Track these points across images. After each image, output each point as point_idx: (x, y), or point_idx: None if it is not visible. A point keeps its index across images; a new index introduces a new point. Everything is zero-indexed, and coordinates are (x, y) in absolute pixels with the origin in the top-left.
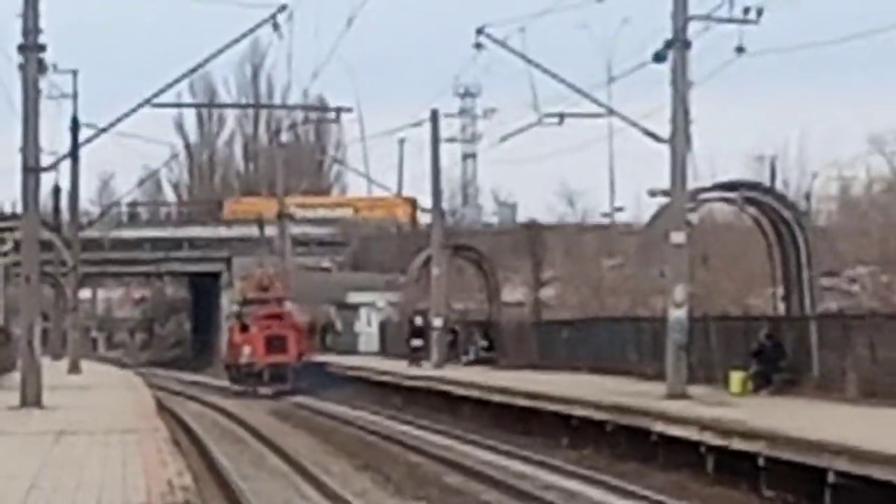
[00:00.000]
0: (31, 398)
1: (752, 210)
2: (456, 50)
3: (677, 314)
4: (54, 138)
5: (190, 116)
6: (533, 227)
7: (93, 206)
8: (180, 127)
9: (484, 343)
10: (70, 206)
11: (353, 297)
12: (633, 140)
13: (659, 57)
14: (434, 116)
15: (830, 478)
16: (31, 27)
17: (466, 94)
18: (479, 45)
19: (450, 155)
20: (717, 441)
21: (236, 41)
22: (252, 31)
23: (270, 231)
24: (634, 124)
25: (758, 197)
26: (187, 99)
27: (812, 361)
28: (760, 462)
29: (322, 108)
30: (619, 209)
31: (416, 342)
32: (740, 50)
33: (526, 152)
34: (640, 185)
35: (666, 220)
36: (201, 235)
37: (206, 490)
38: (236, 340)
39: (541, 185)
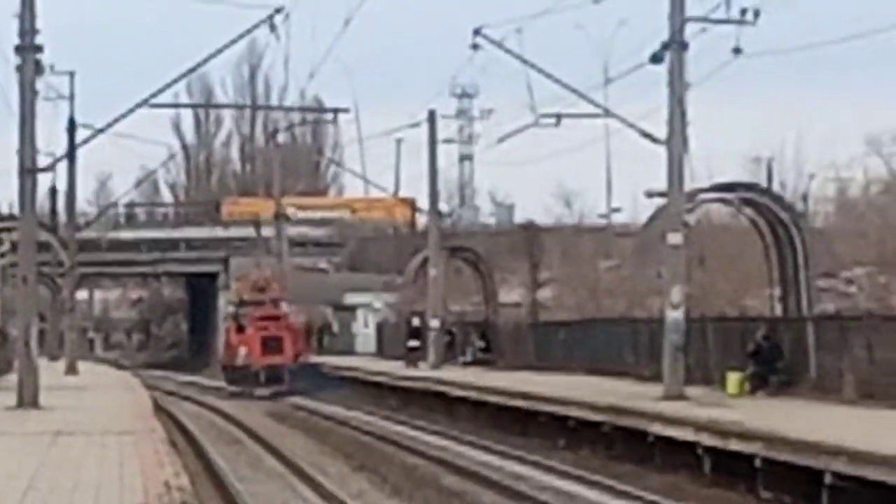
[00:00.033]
0: (27, 399)
1: (748, 211)
2: (453, 51)
3: (674, 315)
4: (51, 139)
5: (187, 117)
6: (530, 229)
7: (90, 206)
8: (177, 128)
9: (481, 344)
10: (67, 206)
11: (350, 298)
12: (629, 141)
13: (656, 58)
14: (431, 117)
15: (827, 479)
16: (27, 28)
17: (463, 95)
18: (476, 46)
19: (447, 156)
20: (713, 442)
21: (233, 42)
22: (249, 31)
23: (267, 232)
24: (631, 125)
25: (755, 198)
26: (184, 100)
27: (809, 362)
28: (757, 463)
29: (319, 108)
30: (616, 210)
31: (413, 343)
32: (737, 51)
33: (523, 153)
34: (637, 186)
35: (663, 222)
36: (198, 236)
37: (203, 491)
38: (232, 341)
39: (538, 187)
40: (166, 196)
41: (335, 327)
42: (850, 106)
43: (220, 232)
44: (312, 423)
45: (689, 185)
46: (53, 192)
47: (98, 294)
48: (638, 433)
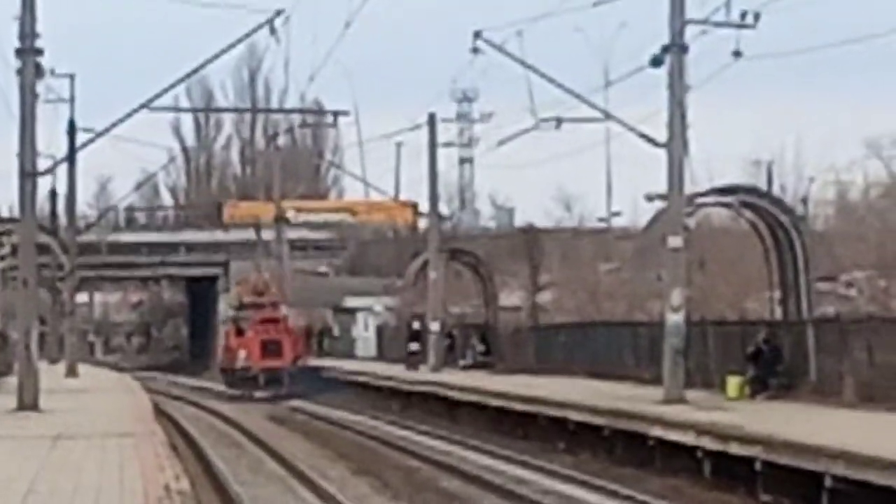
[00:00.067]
0: (28, 402)
1: (749, 214)
2: (453, 54)
3: (674, 318)
4: (51, 142)
5: (187, 120)
6: (530, 232)
7: (90, 209)
8: (177, 131)
9: (481, 347)
10: (67, 209)
11: (351, 302)
12: (630, 144)
13: (656, 61)
14: (431, 120)
15: (827, 482)
16: (28, 31)
17: (464, 99)
18: (476, 50)
19: (447, 159)
20: (714, 445)
21: (233, 45)
22: (249, 35)
23: (268, 235)
24: (631, 129)
25: (755, 201)
26: (184, 103)
27: (809, 366)
28: (757, 466)
29: (319, 111)
30: (616, 213)
31: (414, 346)
32: (737, 54)
33: (523, 156)
34: (637, 189)
35: (663, 225)
36: (198, 239)
37: (204, 494)
38: (232, 345)
39: (538, 190)
40: (166, 199)
41: (335, 330)
42: (850, 109)
43: (220, 235)
44: (313, 426)
45: (689, 189)
46: (54, 195)
47: (98, 297)
48: (638, 436)
